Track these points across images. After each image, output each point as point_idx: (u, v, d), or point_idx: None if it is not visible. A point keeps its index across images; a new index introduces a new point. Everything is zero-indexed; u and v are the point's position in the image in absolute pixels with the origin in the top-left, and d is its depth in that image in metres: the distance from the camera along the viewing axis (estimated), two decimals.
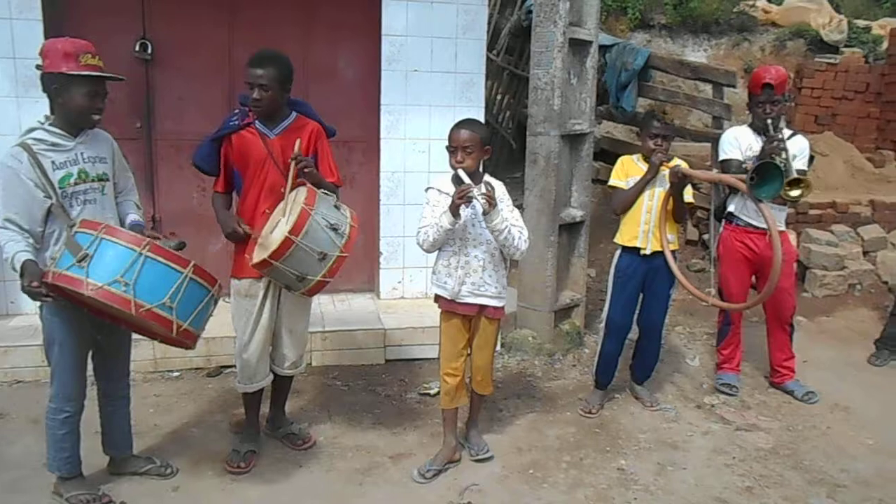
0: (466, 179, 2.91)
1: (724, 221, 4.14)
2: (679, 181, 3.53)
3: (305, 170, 2.94)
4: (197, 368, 4.17)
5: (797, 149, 3.82)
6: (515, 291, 4.76)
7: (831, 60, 8.16)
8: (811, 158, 4.29)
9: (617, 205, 3.71)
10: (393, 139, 4.79)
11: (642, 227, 3.62)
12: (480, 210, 2.92)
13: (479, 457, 3.32)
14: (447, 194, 3.02)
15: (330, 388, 4.08)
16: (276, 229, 2.81)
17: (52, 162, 2.62)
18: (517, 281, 4.78)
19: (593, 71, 4.55)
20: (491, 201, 2.87)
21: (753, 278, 4.16)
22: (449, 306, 3.16)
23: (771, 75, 3.83)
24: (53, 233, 2.65)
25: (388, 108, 4.73)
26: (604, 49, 6.72)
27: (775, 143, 3.62)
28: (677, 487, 3.19)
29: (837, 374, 4.52)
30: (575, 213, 4.60)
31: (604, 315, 3.86)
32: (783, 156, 3.58)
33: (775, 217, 3.75)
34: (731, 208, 4.05)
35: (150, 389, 3.93)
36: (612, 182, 3.74)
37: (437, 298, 3.20)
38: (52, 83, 2.61)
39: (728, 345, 4.21)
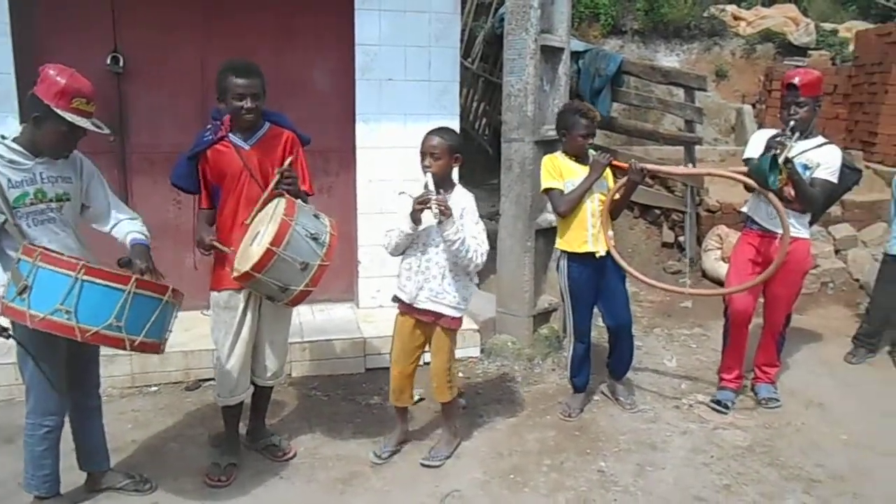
0: (430, 186, 3.00)
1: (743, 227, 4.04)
2: (641, 178, 3.57)
3: (290, 186, 2.97)
4: (175, 382, 4.13)
5: (823, 158, 3.66)
6: (494, 297, 4.80)
7: (799, 63, 8.31)
8: (858, 173, 4.09)
9: (563, 207, 3.58)
10: (368, 148, 4.80)
11: (590, 231, 3.61)
12: (434, 219, 3.01)
13: (422, 461, 3.35)
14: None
15: (310, 398, 4.07)
16: (255, 241, 2.82)
17: (8, 179, 2.59)
18: (495, 287, 4.81)
19: (566, 77, 4.60)
20: (445, 211, 2.95)
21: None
22: (406, 309, 3.24)
23: (796, 76, 3.64)
24: (7, 250, 2.61)
25: (363, 118, 4.75)
26: (577, 55, 6.78)
27: (777, 138, 3.51)
28: (656, 488, 3.22)
29: (812, 371, 4.60)
30: (551, 217, 4.61)
31: (568, 326, 3.85)
32: (778, 150, 3.43)
33: (794, 224, 3.67)
34: (745, 209, 3.99)
35: (127, 405, 3.89)
36: (548, 184, 3.63)
37: (396, 300, 3.28)
38: (35, 109, 2.58)
39: (728, 354, 4.04)
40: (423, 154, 3.09)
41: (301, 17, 4.70)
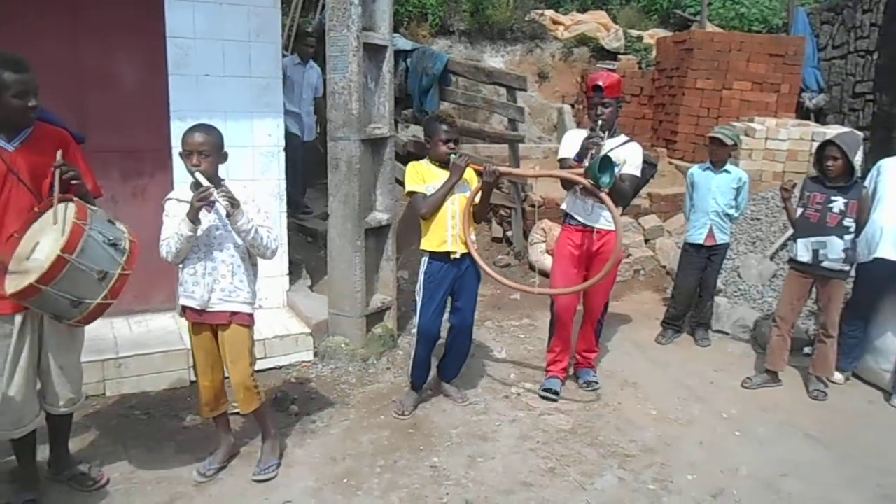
0: (205, 182, 2.87)
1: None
2: (495, 180, 3.67)
3: (73, 181, 2.67)
4: None
5: (628, 154, 3.91)
6: (326, 299, 4.71)
7: (610, 66, 8.96)
8: (653, 168, 4.47)
9: (425, 209, 3.67)
10: None
11: (450, 232, 3.70)
12: (224, 212, 2.92)
13: (254, 477, 3.22)
14: (187, 202, 2.93)
15: (127, 418, 3.76)
16: (36, 251, 2.52)
17: None
18: (327, 288, 4.73)
19: (390, 75, 4.60)
20: (233, 201, 2.88)
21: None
22: (198, 317, 3.08)
23: (599, 79, 3.90)
24: None
25: (178, 115, 4.44)
26: (405, 54, 6.84)
27: (592, 139, 3.75)
28: (487, 477, 3.32)
29: (627, 353, 4.97)
30: (381, 216, 4.62)
31: (416, 322, 3.88)
32: (595, 150, 3.69)
33: (608, 217, 3.89)
34: (563, 206, 4.15)
35: None
36: (412, 188, 3.72)
37: (185, 310, 3.11)
38: None
39: (554, 346, 4.22)
40: (191, 153, 2.92)
41: (102, 5, 4.32)
